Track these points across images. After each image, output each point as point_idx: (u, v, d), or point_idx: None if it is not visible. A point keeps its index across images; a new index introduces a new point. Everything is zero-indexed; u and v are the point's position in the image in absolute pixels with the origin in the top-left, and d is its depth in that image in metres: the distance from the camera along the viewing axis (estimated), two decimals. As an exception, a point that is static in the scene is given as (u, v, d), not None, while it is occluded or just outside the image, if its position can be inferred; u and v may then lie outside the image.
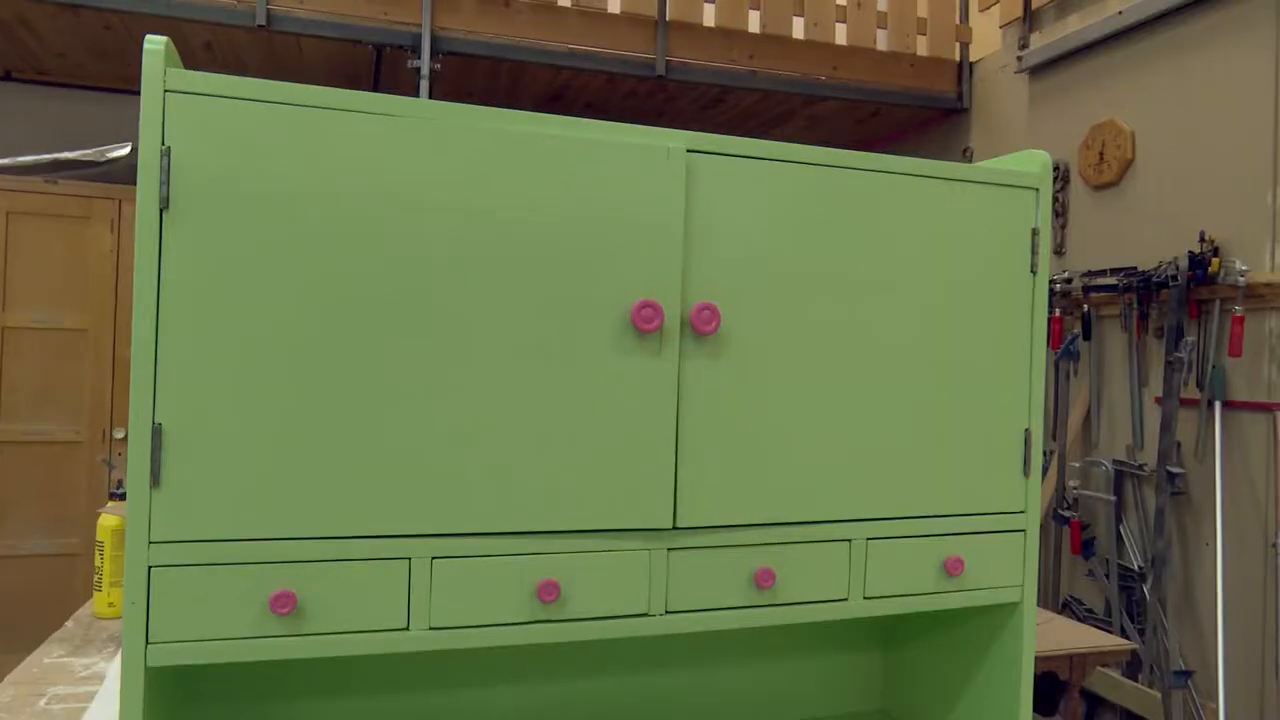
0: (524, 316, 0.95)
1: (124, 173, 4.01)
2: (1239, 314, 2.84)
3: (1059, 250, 3.71)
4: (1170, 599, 3.11)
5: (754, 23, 3.85)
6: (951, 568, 1.13)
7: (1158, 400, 3.17)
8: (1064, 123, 3.70)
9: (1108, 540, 3.36)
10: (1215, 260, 2.90)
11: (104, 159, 4.03)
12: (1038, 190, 1.19)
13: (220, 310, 0.87)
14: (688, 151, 1.01)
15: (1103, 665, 3.30)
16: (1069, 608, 3.54)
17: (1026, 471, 1.18)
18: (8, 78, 4.21)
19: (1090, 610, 3.45)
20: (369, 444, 0.90)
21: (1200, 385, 3.02)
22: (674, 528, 1.02)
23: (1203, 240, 2.98)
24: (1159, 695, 3.01)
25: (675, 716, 1.33)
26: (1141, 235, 3.31)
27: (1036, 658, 2.37)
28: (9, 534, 3.76)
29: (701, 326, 1.00)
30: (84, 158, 3.99)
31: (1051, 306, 3.57)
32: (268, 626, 0.88)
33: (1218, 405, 2.95)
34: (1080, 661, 2.43)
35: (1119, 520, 3.33)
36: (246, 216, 0.87)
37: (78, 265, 3.80)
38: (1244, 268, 2.83)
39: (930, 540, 1.13)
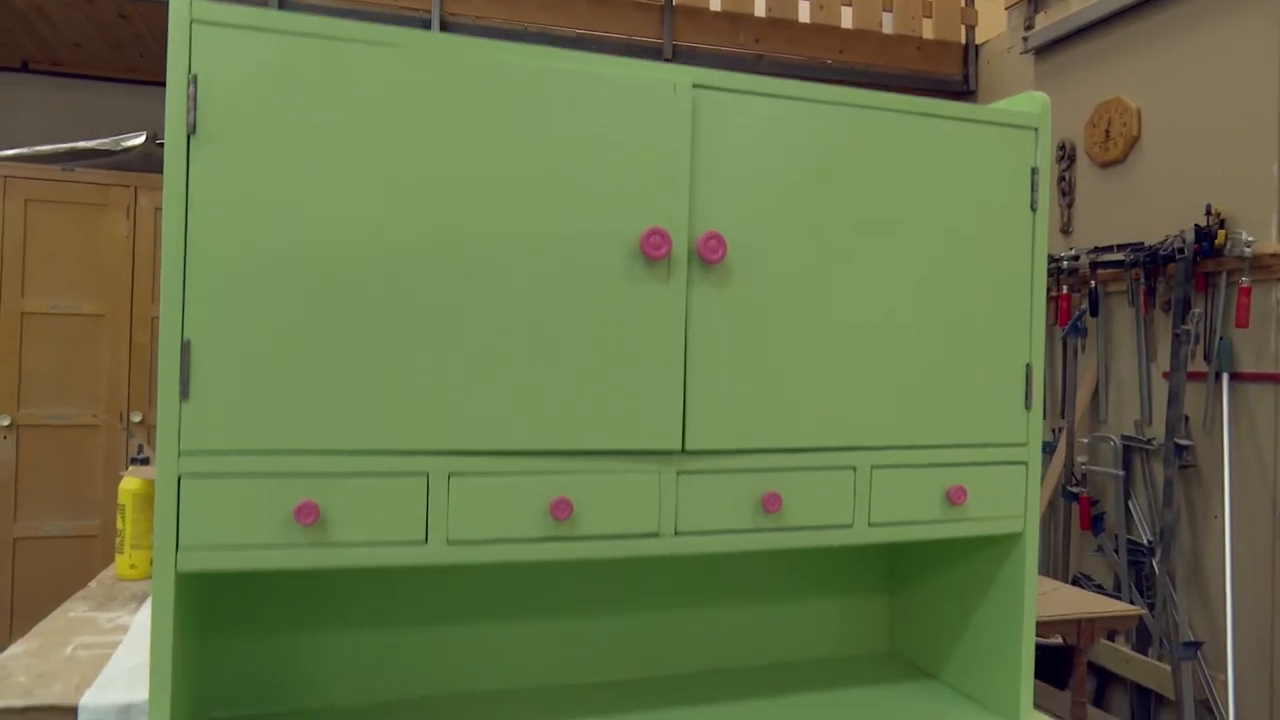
0: (539, 242, 0.98)
1: (139, 161, 4.07)
2: (1245, 285, 2.86)
3: (1066, 229, 3.72)
4: (1179, 571, 3.12)
5: (760, 7, 3.88)
6: (954, 496, 1.15)
7: (1165, 375, 3.18)
8: (1070, 102, 3.72)
9: (1116, 515, 3.37)
10: (1221, 232, 2.91)
11: (119, 148, 4.08)
12: (1036, 130, 1.21)
13: (245, 232, 0.90)
14: (694, 86, 1.04)
15: (1110, 631, 3.31)
16: (1079, 584, 3.55)
17: (1028, 405, 1.21)
18: (24, 68, 4.28)
19: (1100, 586, 3.46)
20: (388, 362, 0.94)
21: (1208, 358, 3.03)
22: (683, 451, 1.05)
23: (1209, 213, 3.00)
24: (1169, 669, 3.02)
25: (688, 655, 1.36)
26: (1148, 211, 3.33)
27: (1045, 623, 2.40)
28: (28, 516, 3.82)
29: (709, 255, 1.03)
30: (100, 147, 4.04)
31: (1059, 284, 3.59)
32: (291, 536, 0.91)
33: (1225, 377, 2.96)
34: (1088, 627, 2.45)
35: (1127, 495, 3.34)
36: (271, 142, 0.91)
37: (94, 252, 3.85)
38: (1250, 238, 2.84)
39: (933, 470, 1.16)
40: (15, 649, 1.57)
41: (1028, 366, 1.21)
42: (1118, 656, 3.27)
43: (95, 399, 3.87)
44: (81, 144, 4.02)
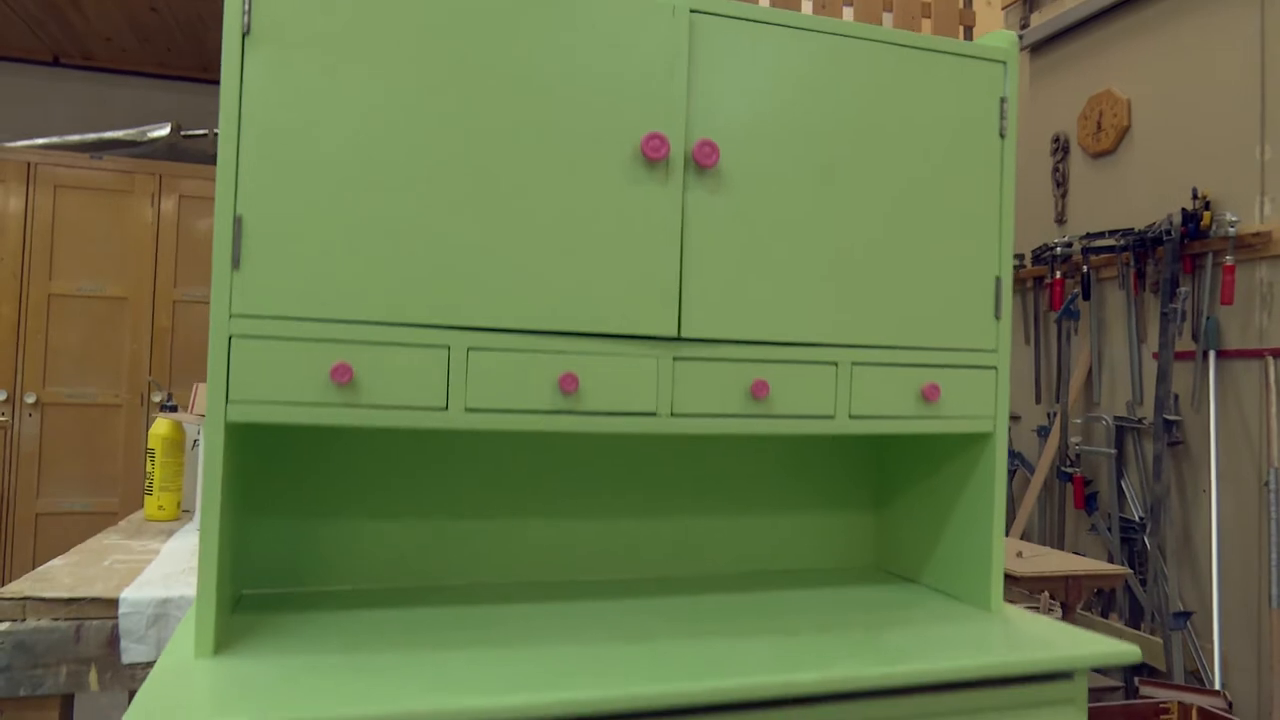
0: (552, 142, 1.10)
1: (164, 151, 4.22)
2: (1230, 263, 2.96)
3: (1060, 218, 3.83)
4: (1169, 545, 3.20)
5: (762, 4, 4.02)
6: (929, 393, 1.26)
7: (1155, 355, 3.27)
8: (1063, 96, 3.84)
9: (1109, 494, 3.45)
10: (1207, 214, 3.01)
11: (145, 139, 4.23)
12: (1005, 64, 1.32)
13: (291, 122, 1.02)
14: (691, 11, 1.16)
15: (1104, 609, 3.39)
16: (1073, 564, 3.62)
17: (998, 314, 1.31)
18: (55, 63, 4.44)
19: (1093, 564, 3.53)
20: (418, 244, 1.05)
21: (1195, 337, 3.12)
22: (678, 338, 1.15)
23: (1195, 196, 3.10)
24: (1161, 641, 3.10)
25: (681, 560, 1.46)
26: (1138, 198, 3.43)
27: (1034, 579, 2.48)
28: (51, 492, 3.94)
29: (703, 160, 1.14)
30: (126, 137, 4.20)
31: (1053, 270, 3.69)
32: (328, 395, 1.02)
33: (1212, 355, 3.06)
34: (1075, 584, 2.53)
35: (1120, 474, 3.43)
36: (316, 42, 1.02)
37: (119, 237, 3.99)
38: (1234, 219, 2.94)
39: (909, 369, 1.26)
40: (56, 562, 1.68)
41: (997, 279, 1.31)
42: (1110, 631, 3.34)
43: (118, 379, 4.00)
44: (108, 134, 4.17)
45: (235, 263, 0.99)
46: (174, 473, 2.18)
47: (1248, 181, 3.00)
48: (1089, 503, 3.53)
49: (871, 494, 1.56)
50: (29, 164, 3.92)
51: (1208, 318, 3.06)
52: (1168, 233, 3.12)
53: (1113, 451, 3.41)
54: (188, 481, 2.25)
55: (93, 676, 1.43)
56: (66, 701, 1.45)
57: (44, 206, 3.93)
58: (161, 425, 2.17)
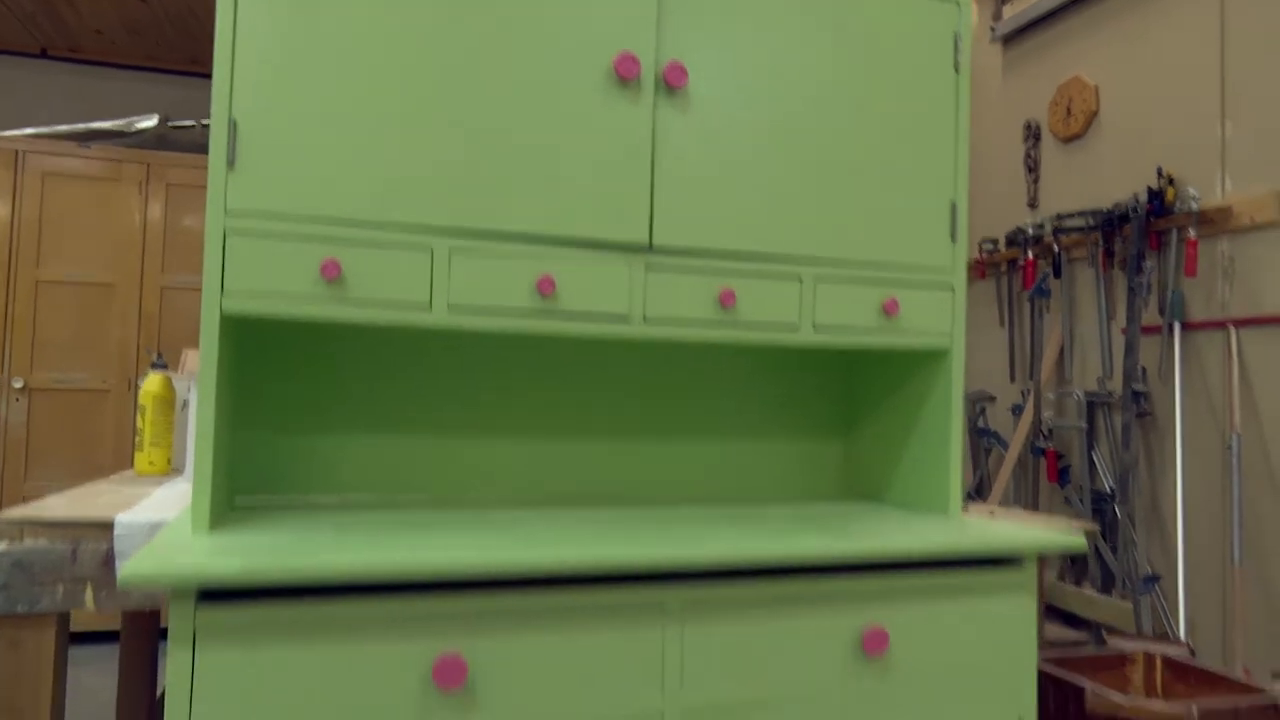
0: (531, 58, 1.17)
1: (152, 142, 4.27)
2: (1193, 238, 3.05)
3: (1033, 203, 3.93)
4: (1139, 513, 3.28)
5: None
6: (889, 308, 1.33)
7: (1124, 331, 3.36)
8: (1034, 85, 3.95)
9: (1081, 467, 3.54)
10: (1171, 190, 3.11)
11: (133, 129, 4.29)
12: (958, 3, 1.41)
13: (285, 28, 1.08)
14: (660, -57, 1.24)
15: (1078, 577, 3.46)
16: (1048, 538, 3.70)
17: (954, 237, 1.39)
18: (43, 54, 4.49)
19: (1067, 536, 3.61)
20: (403, 149, 1.11)
21: (1161, 310, 3.22)
22: (650, 247, 1.22)
23: (1160, 175, 3.20)
24: (1131, 606, 3.17)
25: (655, 485, 1.52)
26: (1107, 180, 3.54)
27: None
28: (39, 476, 3.96)
29: (673, 80, 1.21)
30: (114, 128, 4.25)
31: (1025, 251, 3.79)
32: (318, 289, 1.08)
33: (1177, 328, 3.15)
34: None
35: (1090, 447, 3.51)
36: (305, -39, 1.09)
37: (107, 225, 4.04)
38: (1196, 194, 3.04)
39: (871, 285, 1.33)
40: (50, 498, 1.73)
41: (953, 204, 1.39)
42: (1082, 599, 3.42)
43: (105, 365, 4.03)
44: (96, 125, 4.22)
45: (230, 163, 1.06)
46: (164, 429, 2.22)
47: (1209, 159, 3.10)
48: (1062, 476, 3.61)
49: (838, 422, 1.63)
50: (17, 152, 3.97)
51: (1173, 291, 3.16)
52: (1134, 210, 3.22)
53: (1083, 425, 3.50)
54: (177, 440, 2.29)
55: (89, 595, 1.47)
56: (63, 620, 1.50)
57: (32, 194, 3.97)
58: (152, 382, 2.22)
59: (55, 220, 3.99)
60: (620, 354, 1.50)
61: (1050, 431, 3.67)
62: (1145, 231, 3.22)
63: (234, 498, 1.31)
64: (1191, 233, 3.06)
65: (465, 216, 1.14)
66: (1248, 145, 3.00)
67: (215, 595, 0.94)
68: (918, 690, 1.16)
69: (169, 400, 2.24)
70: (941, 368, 1.39)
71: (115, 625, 3.95)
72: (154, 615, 2.33)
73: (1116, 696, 2.11)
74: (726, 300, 1.24)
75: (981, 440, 4.12)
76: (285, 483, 1.34)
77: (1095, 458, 3.51)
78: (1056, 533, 1.22)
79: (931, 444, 1.40)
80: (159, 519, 1.54)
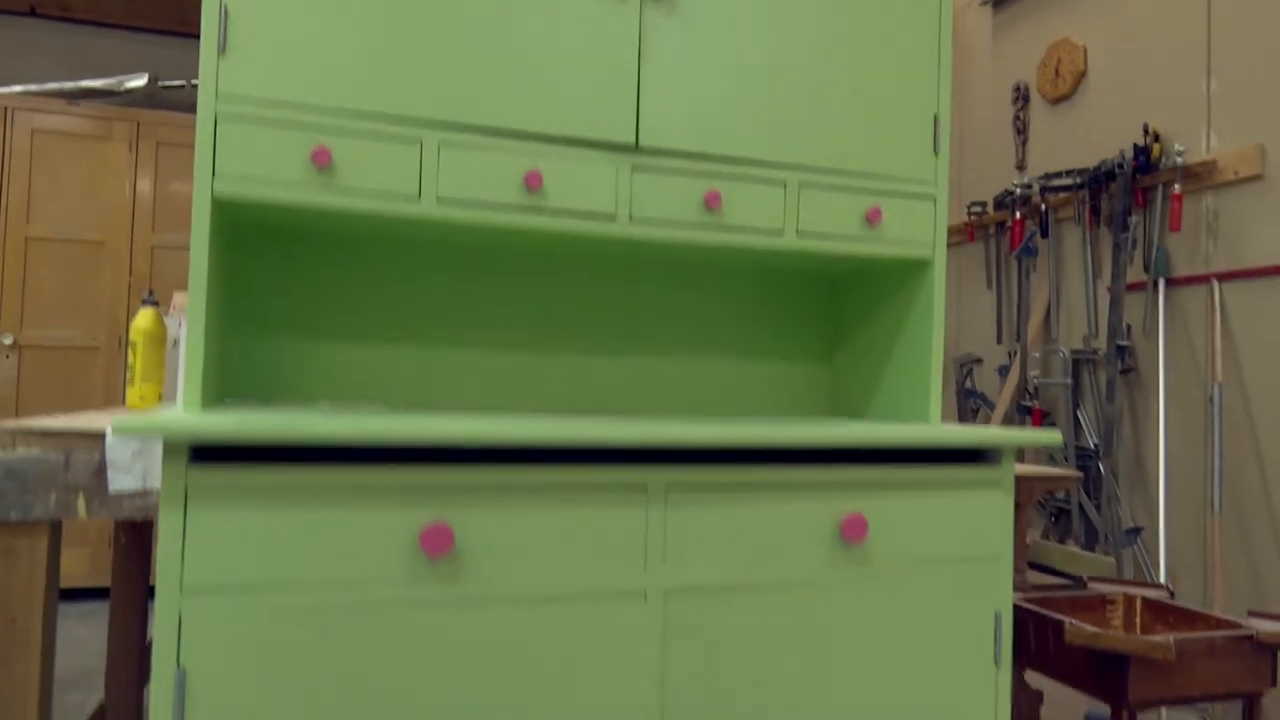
0: (514, -44, 1.18)
1: (142, 100, 4.25)
2: (1178, 193, 3.08)
3: (1021, 165, 3.95)
4: (1122, 469, 3.33)
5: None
6: (872, 216, 1.35)
7: (1109, 289, 3.39)
8: (1024, 47, 3.96)
9: (1066, 425, 3.58)
10: (1157, 146, 3.14)
11: (122, 88, 4.27)
12: (943, -81, 1.42)
13: (274, -78, 1.09)
14: None
15: (1061, 535, 3.51)
16: (1033, 499, 3.74)
17: (936, 150, 1.41)
18: (32, 13, 4.46)
19: (1051, 493, 3.66)
20: (393, 41, 1.13)
21: (1146, 267, 3.25)
22: (636, 147, 1.24)
23: (1146, 132, 3.23)
24: (1114, 560, 3.21)
25: (641, 402, 1.54)
26: (1095, 140, 3.56)
27: (987, 481, 2.58)
28: (29, 433, 3.96)
29: (659, -18, 1.23)
30: (104, 86, 4.23)
31: (1013, 212, 3.81)
32: (308, 176, 1.10)
33: (1161, 284, 3.18)
34: (1027, 484, 2.64)
35: (1076, 405, 3.55)
36: None
37: (97, 183, 4.03)
38: (1181, 149, 3.07)
39: (854, 194, 1.35)
40: (42, 418, 1.74)
41: (935, 118, 1.41)
42: (1065, 555, 3.46)
43: (95, 323, 4.03)
44: (85, 83, 4.20)
45: (221, 48, 1.07)
46: (155, 364, 2.23)
47: (1195, 115, 3.13)
48: (1047, 434, 3.65)
49: (821, 345, 1.65)
50: (6, 108, 3.95)
51: (1157, 248, 3.19)
52: (1120, 167, 3.25)
53: (1069, 382, 3.53)
54: (168, 376, 2.30)
55: (81, 504, 1.49)
56: (55, 528, 1.52)
57: (21, 150, 3.96)
58: (143, 318, 2.23)
59: (45, 178, 3.97)
60: (606, 271, 1.52)
61: (1036, 390, 3.70)
62: (1131, 188, 3.25)
63: (223, 399, 1.33)
64: (1177, 188, 3.08)
65: (454, 110, 1.15)
66: (1233, 101, 3.02)
67: (207, 458, 0.96)
68: (896, 580, 1.19)
69: (160, 336, 2.25)
70: (923, 280, 1.42)
71: (106, 582, 3.96)
72: (144, 571, 2.34)
73: (1095, 629, 2.14)
74: (712, 202, 1.26)
75: (968, 401, 4.15)
76: (274, 387, 1.36)
77: (1080, 415, 3.55)
78: (1033, 432, 1.24)
79: (913, 358, 1.43)
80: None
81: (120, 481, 1.52)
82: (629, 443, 1.01)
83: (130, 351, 2.26)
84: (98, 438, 1.54)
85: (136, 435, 1.54)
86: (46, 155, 3.98)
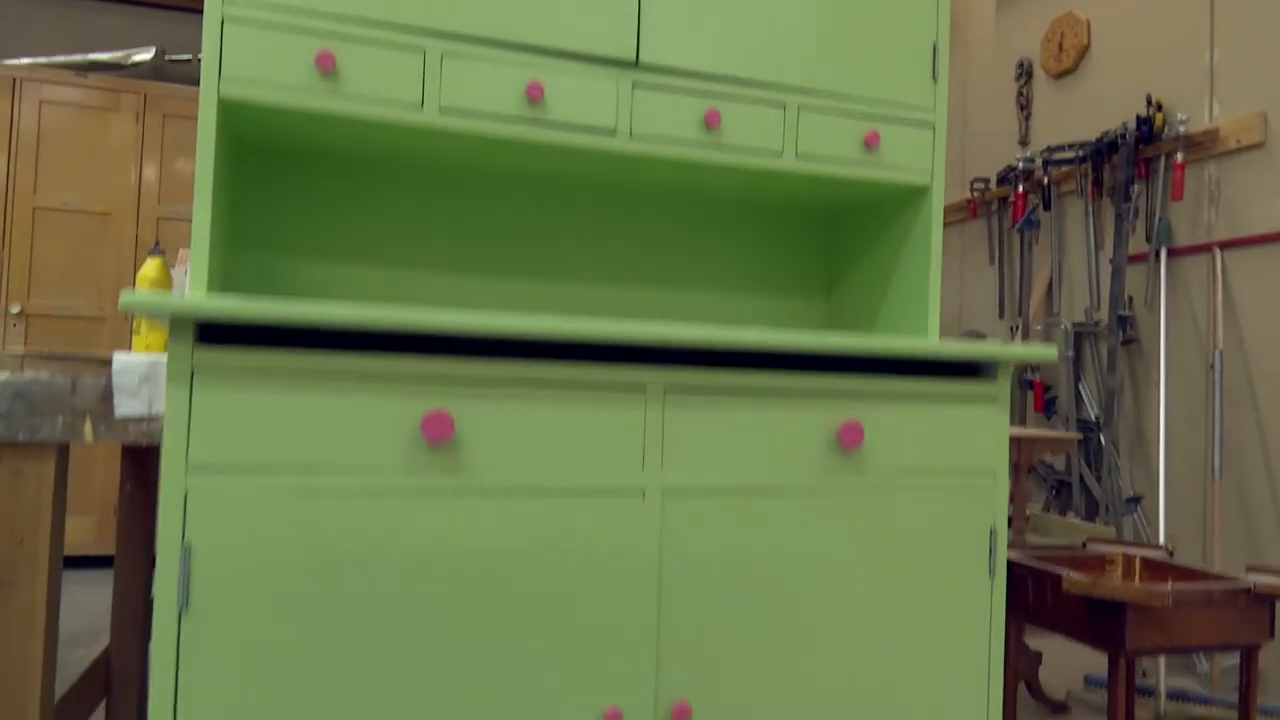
0: None
1: (148, 73, 4.28)
2: (1180, 162, 3.09)
3: (1024, 141, 3.96)
4: (1123, 439, 3.33)
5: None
6: (871, 141, 1.36)
7: (1111, 261, 3.40)
8: (1028, 22, 3.97)
9: (1068, 398, 3.58)
10: (1159, 116, 3.14)
11: (129, 61, 4.29)
12: None
13: None
14: None
15: (1063, 508, 3.52)
16: (1034, 470, 3.75)
17: (935, 76, 1.42)
18: (41, -13, 4.49)
19: (1051, 467, 3.66)
20: (394, -51, 1.14)
21: (1149, 238, 3.26)
22: (637, 64, 1.25)
23: (1149, 103, 3.23)
24: (1114, 530, 3.22)
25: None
26: (1098, 113, 3.57)
27: (987, 441, 2.59)
28: (35, 402, 3.99)
29: (661, -100, 1.24)
30: (110, 59, 4.26)
31: (1015, 186, 3.82)
32: (313, 81, 1.11)
33: (1163, 254, 3.19)
34: (1028, 445, 2.65)
35: (1077, 378, 3.56)
36: None
37: (104, 154, 4.05)
38: (1184, 118, 3.08)
39: (853, 119, 1.36)
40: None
41: (934, 46, 1.42)
42: (1066, 526, 3.47)
43: (101, 293, 4.05)
44: (93, 56, 4.23)
45: (227, -50, 1.08)
46: (161, 314, 2.25)
47: (1198, 86, 3.14)
48: (1048, 407, 3.65)
49: (820, 281, 1.66)
50: (14, 80, 3.97)
51: (1159, 218, 3.20)
52: (1123, 137, 3.25)
53: (1070, 354, 3.54)
54: (174, 327, 2.32)
55: (87, 428, 1.51)
56: (62, 451, 1.53)
57: (29, 121, 3.99)
58: (149, 267, 2.25)
59: (52, 148, 4.00)
60: (606, 202, 1.53)
61: (1038, 364, 3.71)
62: (1134, 159, 3.26)
63: (230, 316, 1.34)
64: (1179, 157, 3.09)
65: (457, 20, 1.17)
66: (1235, 70, 3.03)
67: (213, 338, 0.98)
68: (892, 490, 1.20)
69: (165, 285, 2.27)
70: (921, 207, 1.43)
71: (111, 550, 3.99)
72: (148, 537, 2.35)
73: (1093, 578, 2.15)
74: (712, 120, 1.27)
75: (970, 377, 4.15)
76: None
77: (1081, 388, 3.55)
78: (1028, 347, 1.25)
79: (911, 282, 1.44)
80: (156, 359, 1.58)
81: (126, 406, 1.54)
82: (628, 339, 1.03)
83: (136, 301, 2.28)
84: (104, 363, 1.56)
85: (143, 363, 1.56)
86: (54, 127, 4.01)
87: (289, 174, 1.37)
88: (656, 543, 1.08)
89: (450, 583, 1.00)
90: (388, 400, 0.98)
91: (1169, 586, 2.08)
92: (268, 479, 0.94)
